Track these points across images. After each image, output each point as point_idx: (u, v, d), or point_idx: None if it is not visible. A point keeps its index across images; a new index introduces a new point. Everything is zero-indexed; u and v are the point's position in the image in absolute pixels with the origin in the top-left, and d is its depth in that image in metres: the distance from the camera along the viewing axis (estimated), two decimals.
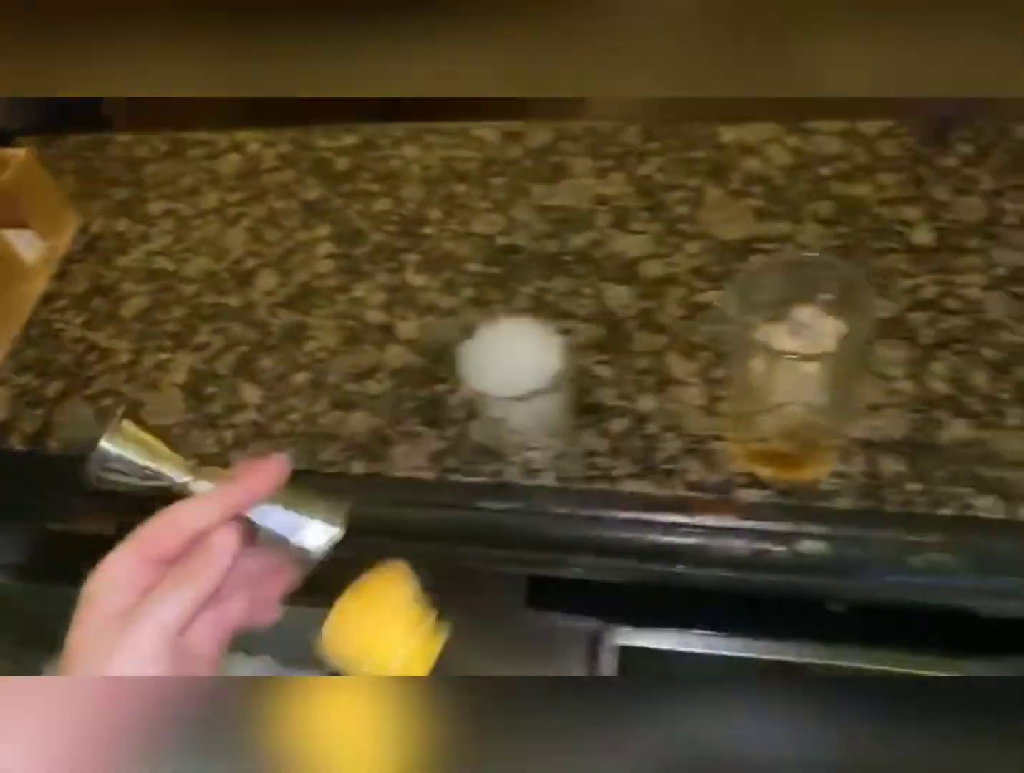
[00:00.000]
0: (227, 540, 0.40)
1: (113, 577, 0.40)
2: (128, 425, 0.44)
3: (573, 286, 0.76)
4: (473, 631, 0.83)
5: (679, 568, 0.63)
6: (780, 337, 0.55)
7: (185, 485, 0.44)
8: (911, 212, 0.75)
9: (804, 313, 0.55)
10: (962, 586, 0.58)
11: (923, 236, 0.73)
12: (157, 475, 0.44)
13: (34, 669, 0.81)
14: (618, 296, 0.75)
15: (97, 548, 0.41)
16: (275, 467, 0.43)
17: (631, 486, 0.64)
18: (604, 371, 0.70)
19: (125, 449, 0.43)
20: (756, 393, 0.57)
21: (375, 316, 0.79)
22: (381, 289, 0.80)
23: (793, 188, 0.79)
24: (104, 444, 0.43)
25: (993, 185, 0.76)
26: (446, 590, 0.81)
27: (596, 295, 0.75)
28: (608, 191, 0.83)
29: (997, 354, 0.66)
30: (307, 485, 0.45)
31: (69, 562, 0.43)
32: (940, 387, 0.65)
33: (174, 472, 0.44)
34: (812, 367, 0.53)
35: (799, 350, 0.53)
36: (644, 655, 0.81)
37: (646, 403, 0.68)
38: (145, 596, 0.39)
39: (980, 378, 0.65)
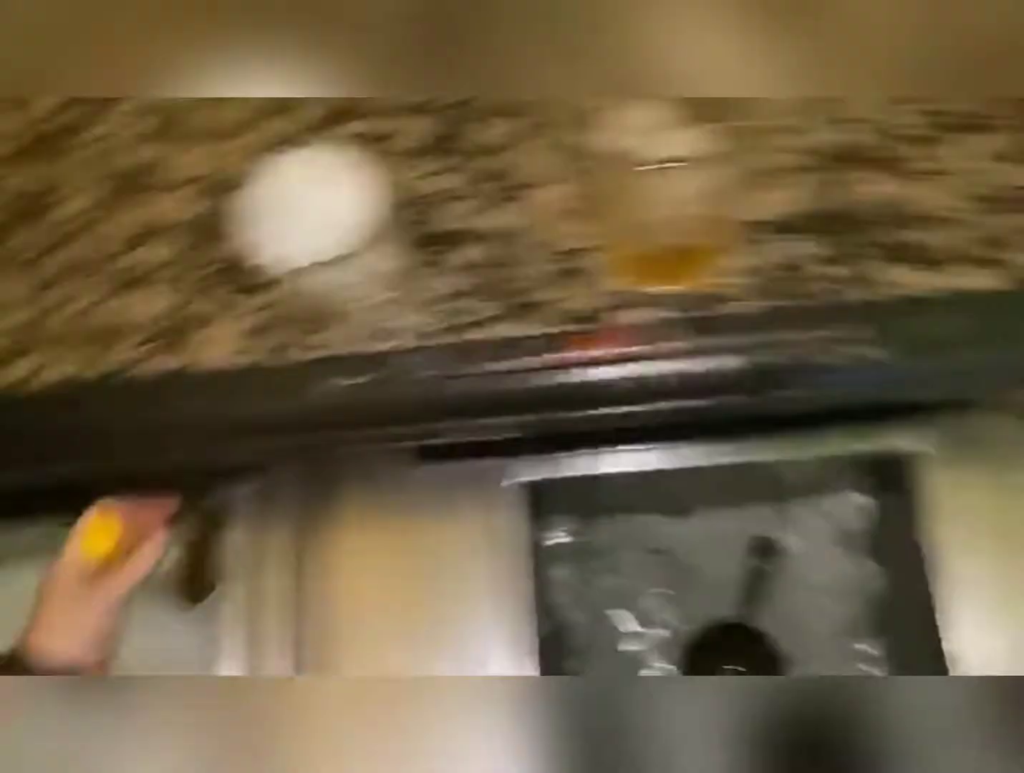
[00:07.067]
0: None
1: None
2: None
3: None
4: (367, 496, 0.74)
5: (576, 414, 0.53)
6: None
7: None
8: None
9: None
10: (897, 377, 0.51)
11: None
12: None
13: None
14: None
15: None
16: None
17: (500, 330, 0.53)
18: (441, 183, 0.56)
19: None
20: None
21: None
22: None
23: None
24: None
25: None
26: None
27: None
28: None
29: None
30: None
31: None
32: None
33: None
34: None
35: None
36: (555, 488, 0.74)
37: (499, 219, 0.55)
38: None
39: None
